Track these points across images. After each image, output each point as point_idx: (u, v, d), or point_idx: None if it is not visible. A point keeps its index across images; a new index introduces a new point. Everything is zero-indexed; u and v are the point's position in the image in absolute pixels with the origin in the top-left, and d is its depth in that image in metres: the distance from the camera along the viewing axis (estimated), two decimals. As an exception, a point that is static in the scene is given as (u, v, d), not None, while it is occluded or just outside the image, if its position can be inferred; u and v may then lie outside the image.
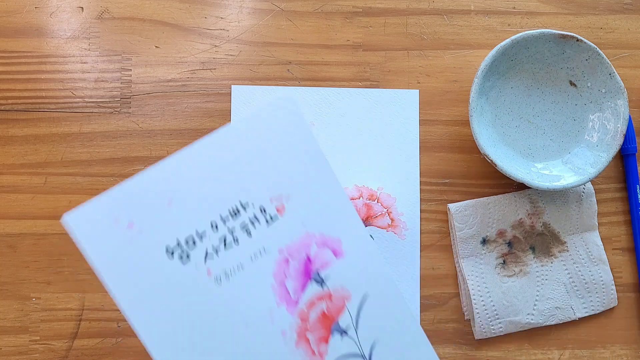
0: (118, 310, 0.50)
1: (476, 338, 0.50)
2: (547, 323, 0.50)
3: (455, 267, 0.51)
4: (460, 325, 0.51)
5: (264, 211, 0.40)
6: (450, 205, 0.51)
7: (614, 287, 0.51)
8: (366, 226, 0.51)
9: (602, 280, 0.51)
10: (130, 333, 0.49)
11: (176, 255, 0.38)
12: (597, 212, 0.52)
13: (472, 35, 0.53)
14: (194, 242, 0.38)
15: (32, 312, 0.49)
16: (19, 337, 0.49)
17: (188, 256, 0.38)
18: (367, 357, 0.41)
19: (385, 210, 0.51)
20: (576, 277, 0.51)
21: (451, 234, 0.51)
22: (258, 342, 0.39)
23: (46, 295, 0.50)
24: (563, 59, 0.50)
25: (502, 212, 0.51)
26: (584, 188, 0.52)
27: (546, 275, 0.51)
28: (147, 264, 0.38)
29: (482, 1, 0.54)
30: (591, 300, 0.51)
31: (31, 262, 0.50)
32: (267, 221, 0.40)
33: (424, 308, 0.51)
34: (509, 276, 0.51)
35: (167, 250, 0.38)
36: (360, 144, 0.52)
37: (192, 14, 0.52)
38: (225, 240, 0.39)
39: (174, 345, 0.38)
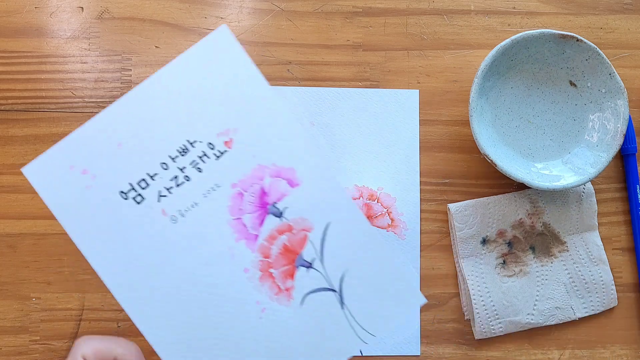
0: (118, 310, 0.50)
1: (476, 338, 0.50)
2: (547, 323, 0.50)
3: (455, 267, 0.51)
4: (460, 325, 0.51)
5: (213, 147, 0.39)
6: (450, 205, 0.51)
7: (614, 287, 0.51)
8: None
9: (602, 280, 0.51)
10: (130, 333, 0.49)
11: (130, 196, 0.39)
12: (597, 212, 0.52)
13: (472, 35, 0.53)
14: (147, 183, 0.39)
15: (32, 312, 0.49)
16: (19, 337, 0.49)
17: (142, 197, 0.39)
18: (337, 289, 0.40)
19: (385, 210, 0.51)
20: (576, 277, 0.51)
21: (451, 234, 0.51)
22: (220, 281, 0.39)
23: (46, 295, 0.50)
24: (563, 59, 0.50)
25: (502, 212, 0.51)
26: (584, 188, 0.52)
27: (546, 275, 0.51)
28: (103, 207, 0.38)
29: (482, 1, 0.54)
30: (591, 300, 0.51)
31: (31, 262, 0.50)
32: (216, 156, 0.39)
33: (424, 308, 0.51)
34: (509, 276, 0.51)
35: (121, 193, 0.39)
36: (360, 144, 0.52)
37: (192, 14, 0.52)
38: (176, 179, 0.39)
39: (136, 285, 0.39)
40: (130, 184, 0.39)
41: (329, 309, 0.40)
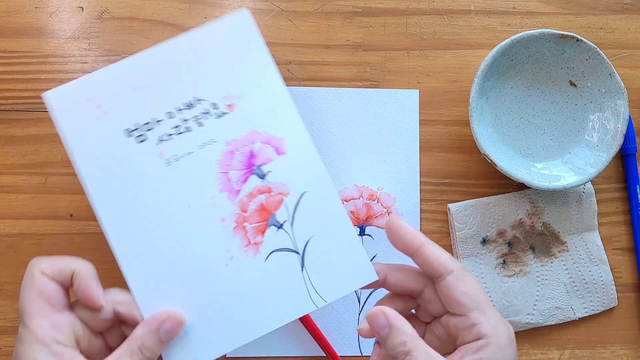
0: (118, 310, 0.50)
1: (476, 338, 0.50)
2: (547, 323, 0.50)
3: (455, 267, 0.51)
4: (460, 325, 0.51)
5: (216, 107, 0.44)
6: (450, 205, 0.51)
7: (614, 287, 0.51)
8: (366, 226, 0.51)
9: (602, 280, 0.51)
10: (130, 333, 0.49)
11: (134, 135, 0.43)
12: (597, 212, 0.52)
13: (472, 35, 0.53)
14: (151, 127, 0.44)
15: (32, 312, 0.49)
16: (19, 337, 0.49)
17: (144, 137, 0.43)
18: (300, 252, 0.44)
19: (385, 210, 0.51)
20: (576, 277, 0.51)
21: (451, 234, 0.51)
22: (198, 224, 0.43)
23: (46, 295, 0.50)
24: (563, 59, 0.50)
25: (502, 212, 0.51)
26: (584, 188, 0.52)
27: (546, 275, 0.51)
28: (108, 140, 0.43)
29: (482, 1, 0.54)
30: (591, 300, 0.51)
31: (31, 262, 0.50)
32: (218, 116, 0.44)
33: (424, 308, 0.51)
34: (509, 276, 0.51)
35: (126, 130, 0.43)
36: (360, 144, 0.52)
37: (192, 14, 0.52)
38: (178, 128, 0.44)
39: (123, 216, 0.43)
40: (136, 124, 0.43)
41: (289, 269, 0.43)
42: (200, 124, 0.44)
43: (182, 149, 0.44)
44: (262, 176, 0.44)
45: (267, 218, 0.44)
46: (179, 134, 0.44)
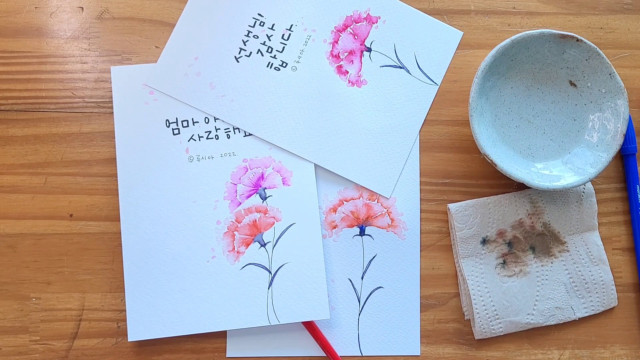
0: (118, 310, 0.50)
1: (476, 338, 0.50)
2: (547, 323, 0.50)
3: (455, 267, 0.51)
4: (460, 325, 0.51)
5: None
6: (450, 205, 0.51)
7: (614, 287, 0.51)
8: (366, 226, 0.51)
9: (602, 280, 0.51)
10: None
11: (171, 127, 0.50)
12: (597, 212, 0.52)
13: (472, 35, 0.53)
14: (187, 125, 0.50)
15: (32, 312, 0.49)
16: (19, 337, 0.49)
17: (178, 131, 0.50)
18: (273, 273, 0.49)
19: (385, 210, 0.51)
20: (576, 277, 0.51)
21: (451, 234, 0.51)
22: (197, 220, 0.49)
23: (46, 295, 0.50)
24: (563, 59, 0.50)
25: (502, 212, 0.51)
26: (584, 188, 0.52)
27: (546, 275, 0.51)
28: (149, 124, 0.50)
29: (482, 1, 0.54)
30: (591, 300, 0.51)
31: (31, 262, 0.50)
32: (245, 134, 0.50)
33: (424, 308, 0.51)
34: (509, 276, 0.51)
35: (167, 121, 0.50)
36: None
37: (192, 14, 0.52)
38: (209, 134, 0.50)
39: (137, 189, 0.49)
40: (176, 118, 0.50)
41: (258, 283, 0.49)
42: (228, 136, 0.50)
43: (206, 152, 0.50)
44: (263, 197, 0.50)
45: (255, 234, 0.49)
46: (208, 138, 0.50)
